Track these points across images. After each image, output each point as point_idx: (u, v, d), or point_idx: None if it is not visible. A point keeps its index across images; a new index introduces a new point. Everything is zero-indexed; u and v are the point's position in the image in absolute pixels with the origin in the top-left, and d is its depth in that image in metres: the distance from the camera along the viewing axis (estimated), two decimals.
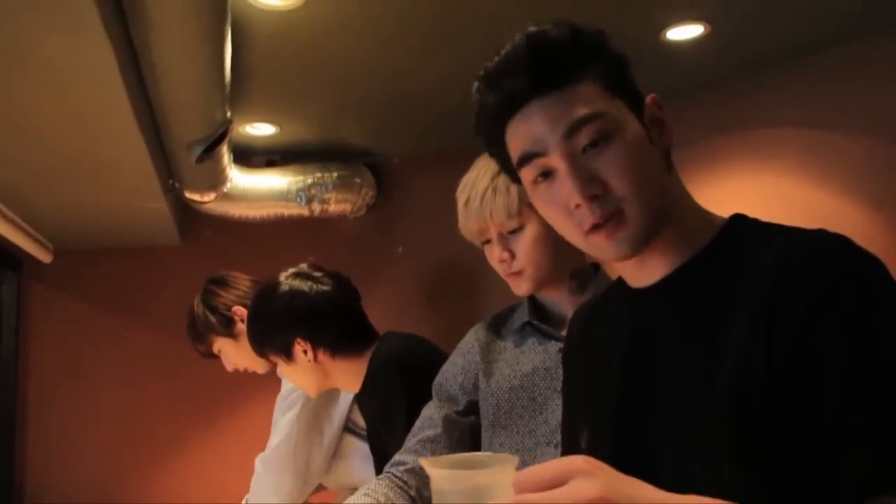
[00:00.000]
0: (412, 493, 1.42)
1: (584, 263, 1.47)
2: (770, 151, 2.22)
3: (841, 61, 2.10)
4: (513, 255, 1.40)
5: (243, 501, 2.08)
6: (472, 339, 1.51)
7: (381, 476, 1.44)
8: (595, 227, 0.86)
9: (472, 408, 1.48)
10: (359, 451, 1.95)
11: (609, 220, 0.86)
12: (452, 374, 1.49)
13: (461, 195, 1.46)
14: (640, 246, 0.88)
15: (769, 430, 0.75)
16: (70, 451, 2.79)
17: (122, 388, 2.86)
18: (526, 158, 0.89)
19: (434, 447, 1.44)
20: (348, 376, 1.78)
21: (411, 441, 1.47)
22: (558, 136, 0.86)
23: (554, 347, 1.39)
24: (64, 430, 2.80)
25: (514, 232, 1.39)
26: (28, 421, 2.80)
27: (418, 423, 1.49)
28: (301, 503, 2.00)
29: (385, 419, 1.69)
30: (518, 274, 1.41)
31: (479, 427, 1.45)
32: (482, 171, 1.42)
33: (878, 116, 2.05)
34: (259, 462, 2.04)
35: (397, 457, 1.46)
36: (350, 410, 1.97)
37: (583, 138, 0.86)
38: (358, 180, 2.86)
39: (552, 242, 1.37)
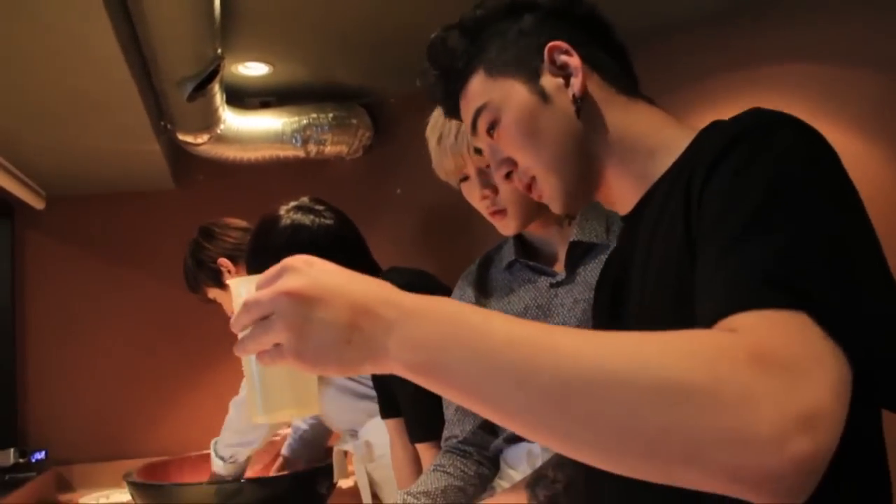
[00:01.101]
0: (476, 457, 1.40)
1: None
2: (777, 90, 2.14)
3: None
4: (495, 191, 1.33)
5: (211, 443, 2.04)
6: (465, 285, 1.47)
7: (443, 452, 1.41)
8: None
9: None
10: (340, 391, 1.90)
11: (528, 189, 0.95)
12: None
13: (432, 133, 1.39)
14: (570, 202, 0.94)
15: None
16: (69, 398, 2.78)
17: (119, 333, 2.84)
18: None
19: (474, 417, 1.39)
20: None
21: (449, 411, 1.44)
22: (469, 132, 0.99)
23: (545, 283, 1.35)
24: (62, 378, 2.79)
25: None
26: (27, 369, 2.78)
27: None
28: (268, 439, 1.98)
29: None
30: (502, 213, 1.34)
31: None
32: None
33: (894, 50, 1.97)
34: (232, 405, 2.02)
35: (447, 432, 1.43)
36: None
37: (482, 130, 0.95)
38: (354, 121, 2.80)
39: None
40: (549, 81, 0.91)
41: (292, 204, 1.75)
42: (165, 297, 2.75)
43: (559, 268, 1.37)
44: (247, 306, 0.69)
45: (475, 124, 0.96)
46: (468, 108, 0.97)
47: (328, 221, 1.72)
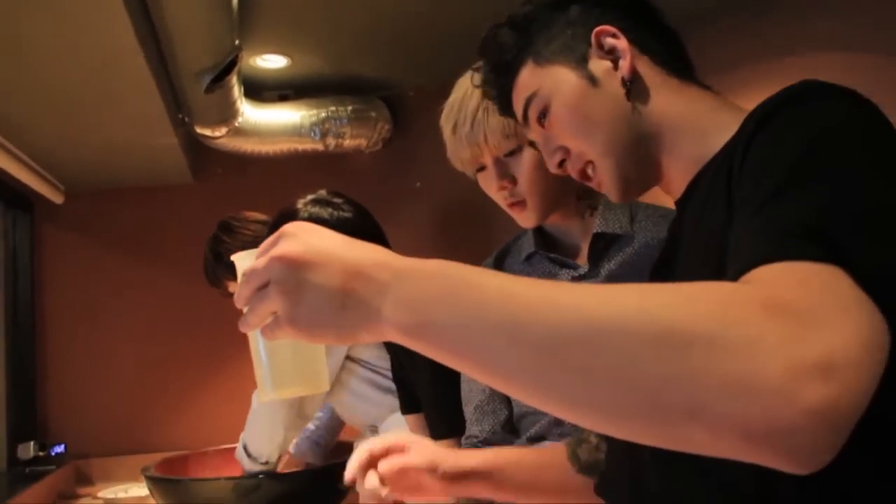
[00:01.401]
0: None
1: None
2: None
3: None
4: (513, 182, 1.28)
5: (240, 438, 2.02)
6: None
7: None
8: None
9: None
10: (363, 382, 1.88)
11: (583, 176, 0.95)
12: None
13: (447, 121, 1.33)
14: (627, 188, 0.92)
15: None
16: (88, 392, 2.78)
17: (138, 327, 2.84)
18: None
19: (494, 416, 1.36)
20: None
21: (468, 409, 1.40)
22: (521, 124, 1.00)
23: (566, 276, 1.31)
24: (81, 372, 2.80)
25: (511, 154, 1.27)
26: (47, 363, 2.79)
27: (464, 386, 1.42)
28: (296, 436, 1.96)
29: (407, 350, 1.63)
30: (521, 204, 1.29)
31: None
32: (469, 89, 1.28)
33: None
34: (255, 397, 2.00)
35: (467, 431, 1.39)
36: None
37: (533, 119, 0.96)
38: (373, 114, 2.78)
39: None
40: (597, 65, 0.91)
41: (310, 197, 1.72)
42: (184, 292, 2.75)
43: (581, 260, 1.33)
44: (245, 277, 0.69)
45: (526, 114, 0.97)
46: (519, 99, 0.98)
47: (346, 214, 1.69)
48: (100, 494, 2.19)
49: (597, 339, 0.52)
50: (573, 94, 0.91)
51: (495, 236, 2.69)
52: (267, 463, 1.91)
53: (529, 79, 0.95)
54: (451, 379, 1.43)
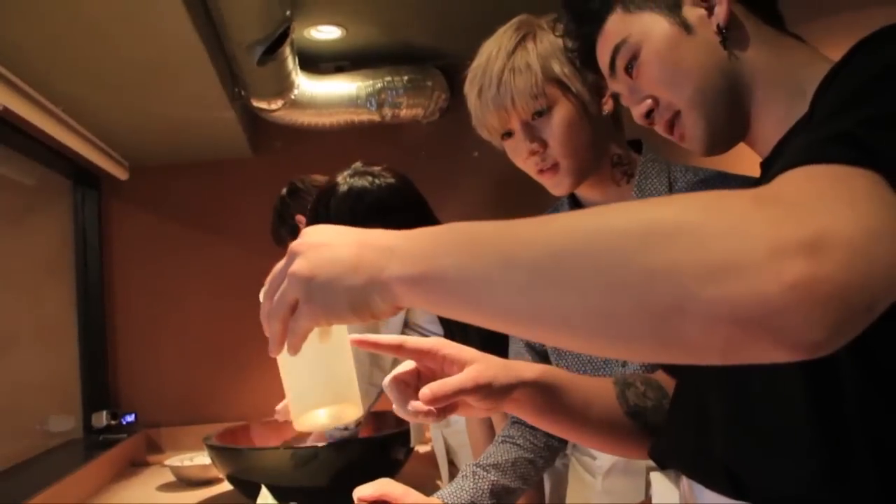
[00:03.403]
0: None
1: (624, 145, 1.28)
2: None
3: None
4: (543, 145, 1.20)
5: None
6: None
7: (510, 423, 1.34)
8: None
9: None
10: None
11: (670, 128, 0.91)
12: None
13: (471, 87, 1.24)
14: (714, 141, 0.88)
15: None
16: (155, 363, 2.86)
17: (202, 300, 2.90)
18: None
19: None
20: None
21: None
22: (606, 75, 0.97)
23: None
24: (149, 344, 2.87)
25: (540, 115, 1.19)
26: (116, 336, 2.87)
27: (512, 357, 1.39)
28: (371, 404, 1.95)
29: (459, 322, 1.61)
30: (554, 168, 1.21)
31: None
32: (493, 51, 1.22)
33: None
34: None
35: None
36: (409, 309, 1.89)
37: (620, 68, 0.93)
38: (429, 83, 2.75)
39: (587, 122, 1.20)
40: (691, 12, 0.88)
41: (346, 171, 1.70)
42: (247, 264, 2.78)
43: None
44: (267, 287, 0.70)
45: (613, 64, 0.93)
46: (605, 48, 0.94)
47: (389, 180, 1.67)
48: (166, 462, 2.25)
49: (586, 247, 0.51)
50: (665, 42, 0.88)
51: (552, 203, 2.65)
52: (347, 429, 1.92)
53: (618, 26, 0.92)
54: (500, 351, 1.41)
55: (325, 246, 0.66)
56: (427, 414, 0.81)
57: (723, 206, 0.49)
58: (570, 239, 0.52)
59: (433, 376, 0.87)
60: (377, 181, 1.65)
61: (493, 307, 0.56)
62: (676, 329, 0.48)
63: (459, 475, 1.25)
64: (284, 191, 2.28)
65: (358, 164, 1.71)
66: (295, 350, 0.69)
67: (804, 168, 0.52)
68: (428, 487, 1.20)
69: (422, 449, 2.29)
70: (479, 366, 0.86)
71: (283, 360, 0.77)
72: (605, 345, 0.53)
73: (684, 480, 0.78)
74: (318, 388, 0.78)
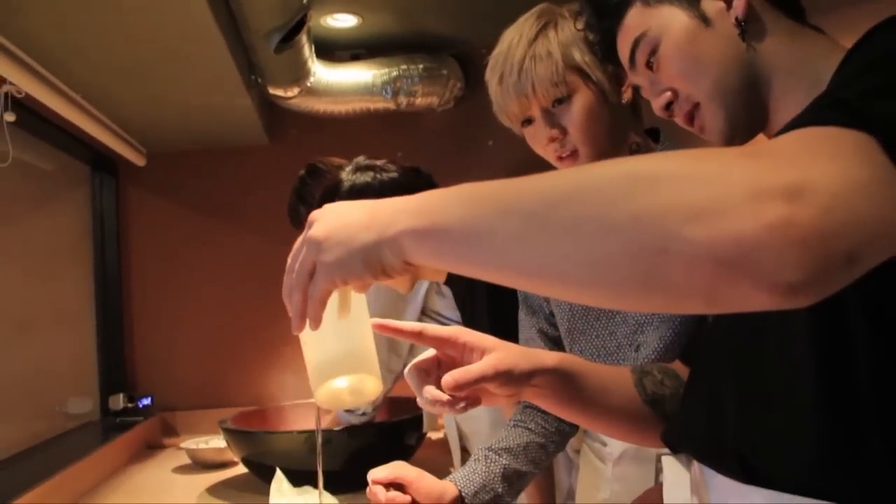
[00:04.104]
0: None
1: (643, 134, 1.29)
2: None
3: None
4: (563, 132, 1.22)
5: None
6: None
7: (522, 407, 1.35)
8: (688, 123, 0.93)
9: (554, 318, 1.40)
10: None
11: (690, 120, 0.92)
12: None
13: (493, 74, 1.26)
14: (733, 133, 0.89)
15: None
16: (172, 347, 2.89)
17: (217, 286, 2.92)
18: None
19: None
20: None
21: None
22: (627, 68, 0.98)
23: None
24: (165, 328, 2.90)
25: (560, 102, 1.21)
26: (133, 320, 2.90)
27: (522, 341, 1.40)
28: (387, 390, 1.97)
29: (467, 306, 1.62)
30: (574, 155, 1.23)
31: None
32: (514, 39, 1.23)
33: None
34: None
35: None
36: (427, 296, 1.90)
37: (640, 61, 0.94)
38: (445, 72, 2.76)
39: (607, 110, 1.22)
40: (709, 5, 0.88)
41: (349, 167, 1.70)
42: (262, 250, 2.81)
43: None
44: (289, 263, 0.74)
45: (633, 57, 0.95)
46: (625, 41, 0.96)
47: (391, 174, 1.67)
48: (182, 445, 2.28)
49: (577, 193, 0.54)
50: (684, 34, 0.89)
51: None
52: (364, 414, 1.93)
53: (638, 19, 0.93)
54: (508, 334, 1.42)
55: (340, 212, 0.70)
56: (446, 404, 0.81)
57: (710, 156, 0.51)
58: (562, 188, 0.55)
59: (453, 364, 0.87)
60: (379, 176, 1.65)
61: (494, 257, 0.58)
62: (660, 271, 0.50)
63: (472, 458, 1.26)
64: (303, 171, 2.28)
65: (360, 159, 1.70)
66: (316, 323, 0.72)
67: (797, 130, 0.54)
68: (441, 474, 1.21)
69: (434, 436, 2.30)
70: (499, 353, 0.86)
71: (305, 336, 0.79)
72: (595, 292, 0.55)
73: (695, 465, 0.79)
74: (338, 358, 0.79)
